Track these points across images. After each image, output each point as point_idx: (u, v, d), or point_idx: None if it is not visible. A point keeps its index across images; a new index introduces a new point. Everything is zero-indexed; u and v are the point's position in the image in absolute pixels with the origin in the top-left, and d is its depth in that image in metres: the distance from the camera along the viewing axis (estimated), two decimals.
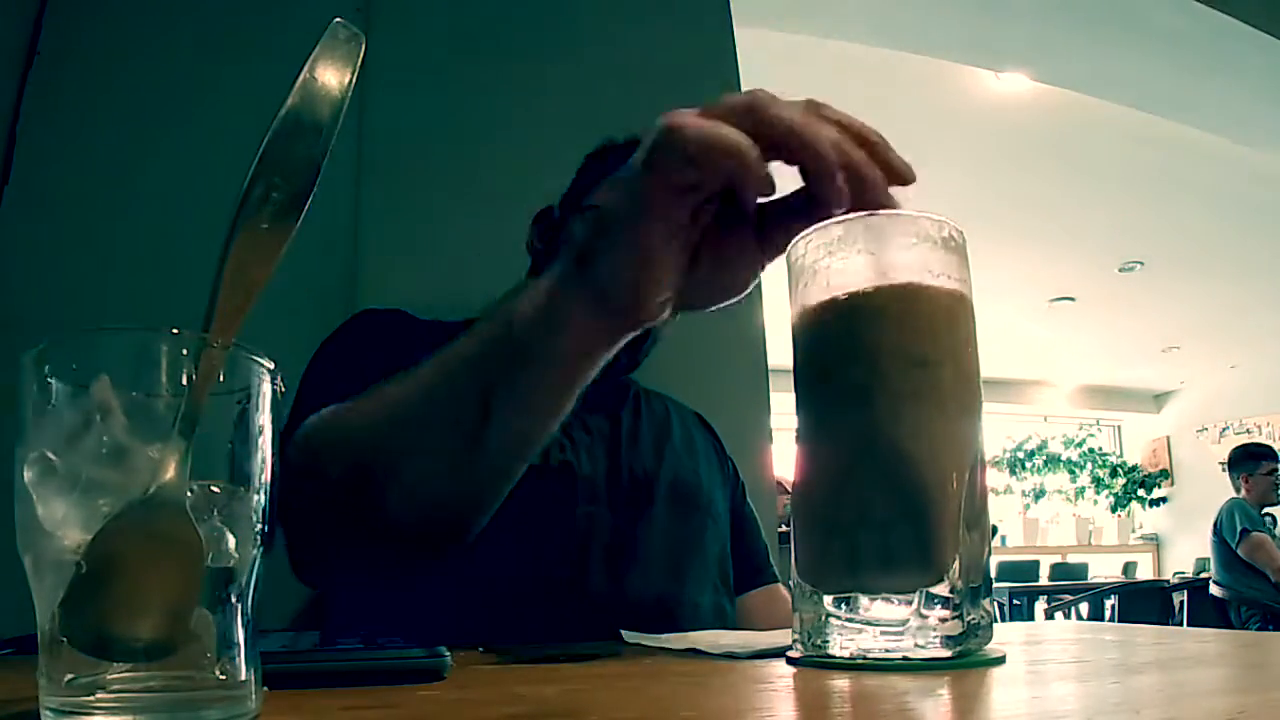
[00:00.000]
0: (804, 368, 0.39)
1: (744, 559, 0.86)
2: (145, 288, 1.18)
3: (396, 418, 0.53)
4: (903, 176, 0.42)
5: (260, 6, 1.34)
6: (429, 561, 0.62)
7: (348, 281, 1.26)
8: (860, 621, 0.35)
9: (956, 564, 0.34)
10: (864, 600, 0.35)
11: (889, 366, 0.36)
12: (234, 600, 0.26)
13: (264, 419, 0.27)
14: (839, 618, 0.36)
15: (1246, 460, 3.40)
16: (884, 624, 0.35)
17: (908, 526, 0.35)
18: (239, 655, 0.25)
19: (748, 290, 0.49)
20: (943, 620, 0.34)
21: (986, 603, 0.36)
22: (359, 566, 0.66)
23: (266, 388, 0.28)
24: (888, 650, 0.35)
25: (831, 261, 0.38)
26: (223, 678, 0.25)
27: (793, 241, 0.40)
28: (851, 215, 0.39)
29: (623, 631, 0.56)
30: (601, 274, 0.45)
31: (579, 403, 0.78)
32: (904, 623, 0.34)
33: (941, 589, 0.34)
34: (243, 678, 0.25)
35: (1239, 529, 3.17)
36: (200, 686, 0.24)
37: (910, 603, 0.34)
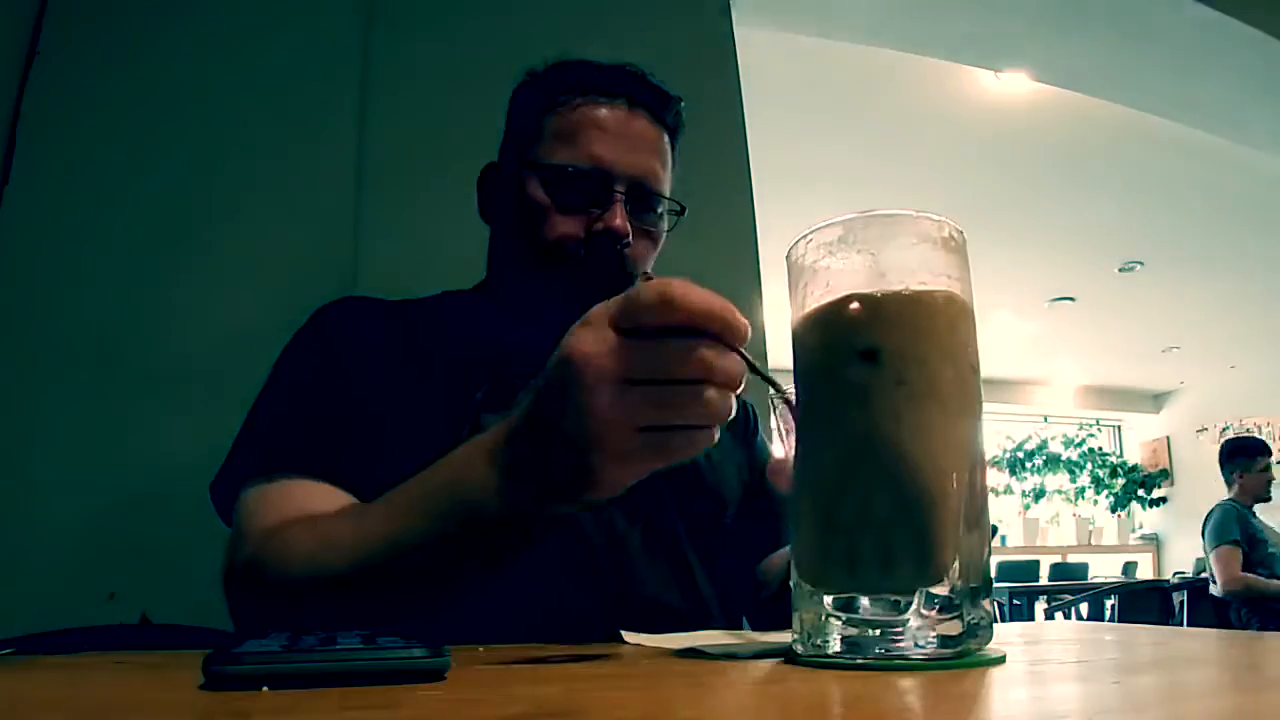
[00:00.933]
0: (803, 368, 0.39)
1: (770, 515, 0.83)
2: (145, 288, 1.18)
3: (354, 572, 0.54)
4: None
5: (260, 6, 1.34)
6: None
7: (348, 281, 1.26)
8: (860, 621, 0.35)
9: (956, 564, 0.34)
10: (864, 600, 0.35)
11: (889, 367, 0.36)
12: None
13: None
14: (839, 618, 0.36)
15: (1239, 455, 3.23)
16: (884, 624, 0.35)
17: (907, 527, 0.35)
18: None
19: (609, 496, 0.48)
20: (942, 620, 0.34)
21: (986, 603, 0.36)
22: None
23: None
24: (888, 650, 0.35)
25: (832, 262, 0.38)
26: None
27: (793, 242, 0.40)
28: (851, 215, 0.39)
29: (622, 632, 0.56)
30: (560, 454, 0.44)
31: None
32: (904, 623, 0.34)
33: (941, 589, 0.34)
34: None
35: (1229, 538, 3.07)
36: None
37: (910, 603, 0.34)
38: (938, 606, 0.34)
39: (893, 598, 0.35)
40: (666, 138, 0.80)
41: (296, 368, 0.73)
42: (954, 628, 0.34)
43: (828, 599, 0.36)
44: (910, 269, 0.37)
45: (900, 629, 0.35)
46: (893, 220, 0.38)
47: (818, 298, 0.38)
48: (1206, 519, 3.21)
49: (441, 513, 0.51)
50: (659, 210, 0.78)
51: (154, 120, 1.24)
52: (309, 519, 0.59)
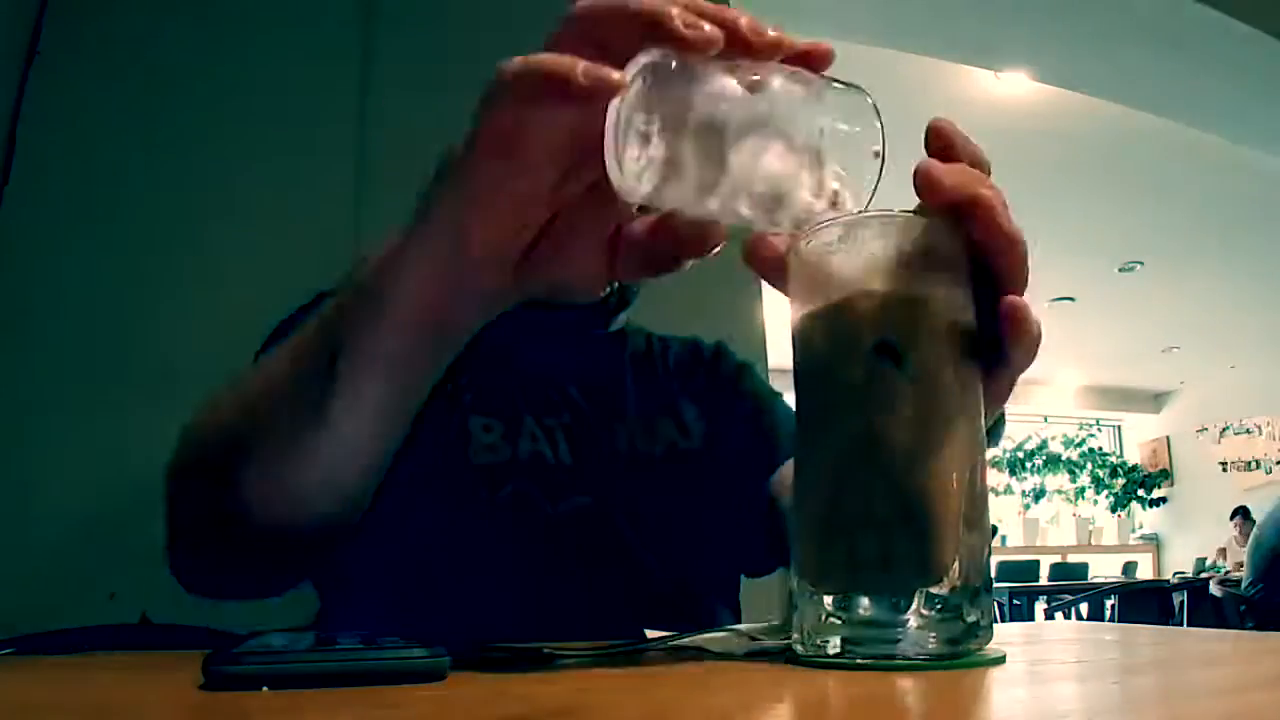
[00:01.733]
0: (804, 368, 0.39)
1: (771, 434, 0.79)
2: (145, 287, 1.18)
3: (250, 391, 0.49)
4: (818, 56, 0.39)
5: (260, 6, 1.34)
6: (317, 560, 0.58)
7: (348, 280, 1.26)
8: (860, 621, 0.35)
9: (956, 565, 0.34)
10: (864, 600, 0.35)
11: (889, 366, 0.36)
12: None
13: None
14: (839, 618, 0.36)
15: None
16: (884, 624, 0.35)
17: (907, 528, 0.35)
18: None
19: (587, 297, 0.45)
20: (942, 621, 0.34)
21: (986, 602, 0.36)
22: (241, 576, 0.61)
23: None
24: (887, 651, 0.35)
25: (833, 261, 0.38)
26: None
27: (794, 241, 0.40)
28: (853, 215, 0.39)
29: (646, 631, 0.55)
30: (434, 213, 0.41)
31: (558, 378, 0.75)
32: (904, 623, 0.34)
33: (942, 589, 0.34)
34: None
35: None
36: None
37: (910, 603, 0.34)
38: (938, 607, 0.34)
39: (893, 598, 0.35)
40: None
41: (277, 328, 0.71)
42: (954, 628, 0.35)
43: (828, 599, 0.36)
44: (913, 269, 0.37)
45: (900, 629, 0.35)
46: (896, 221, 0.38)
47: (818, 298, 0.38)
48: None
49: (342, 292, 0.46)
50: None
51: (154, 120, 1.24)
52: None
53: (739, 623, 0.83)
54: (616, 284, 0.76)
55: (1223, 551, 5.89)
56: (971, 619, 0.35)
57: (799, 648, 0.38)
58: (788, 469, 0.76)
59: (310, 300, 0.71)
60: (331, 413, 0.45)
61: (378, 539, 0.64)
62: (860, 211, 0.39)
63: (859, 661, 0.35)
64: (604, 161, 0.35)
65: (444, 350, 0.46)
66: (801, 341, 0.39)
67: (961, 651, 0.35)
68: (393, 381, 0.46)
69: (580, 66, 0.36)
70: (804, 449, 0.39)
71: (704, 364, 0.86)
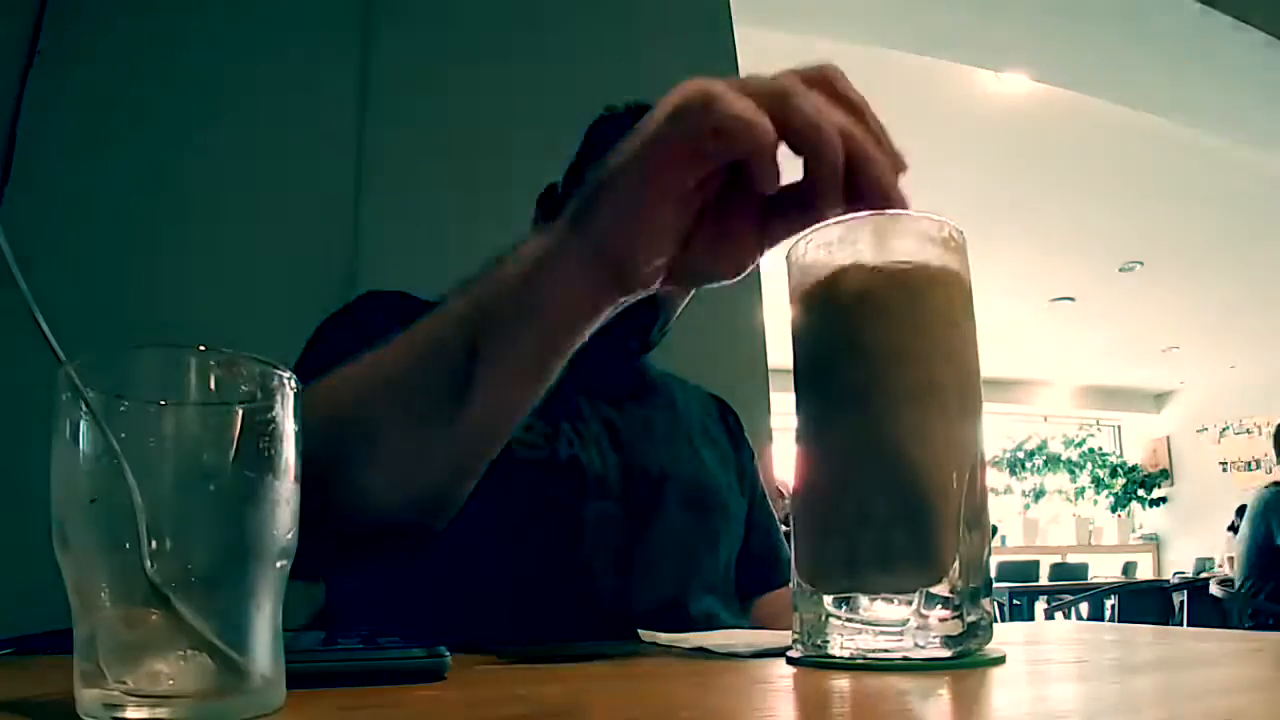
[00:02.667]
0: (804, 367, 0.39)
1: (756, 559, 0.84)
2: (144, 287, 1.18)
3: (380, 377, 0.51)
4: (896, 166, 0.42)
5: (260, 6, 1.34)
6: (400, 558, 0.60)
7: (348, 281, 1.26)
8: (860, 621, 0.35)
9: (956, 564, 0.34)
10: (864, 600, 0.35)
11: (888, 366, 0.36)
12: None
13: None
14: (839, 618, 0.36)
15: None
16: (884, 624, 0.35)
17: (908, 527, 0.35)
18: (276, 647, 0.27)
19: (741, 275, 0.47)
20: (942, 620, 0.34)
21: (986, 602, 0.36)
22: (334, 560, 0.64)
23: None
24: (887, 651, 0.35)
25: (832, 262, 0.38)
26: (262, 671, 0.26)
27: (793, 241, 0.40)
28: (854, 215, 0.39)
29: (640, 630, 0.56)
30: (597, 228, 0.44)
31: (589, 390, 0.77)
32: (904, 623, 0.34)
33: (942, 589, 0.34)
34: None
35: None
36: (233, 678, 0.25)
37: (910, 603, 0.34)
38: (938, 606, 0.34)
39: (893, 598, 0.35)
40: None
41: (341, 323, 0.72)
42: (955, 627, 0.34)
43: (828, 599, 0.36)
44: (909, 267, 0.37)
45: (900, 629, 0.35)
46: (893, 221, 0.38)
47: (818, 297, 0.38)
48: (1261, 503, 3.05)
49: (481, 288, 0.47)
50: None
51: (153, 120, 1.24)
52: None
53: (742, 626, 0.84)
54: (660, 334, 0.78)
55: (1231, 560, 5.87)
56: (972, 619, 0.35)
57: (799, 648, 0.38)
58: (779, 603, 0.79)
59: (345, 306, 0.71)
60: (467, 410, 0.47)
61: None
62: (855, 214, 0.39)
63: (859, 661, 0.35)
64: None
65: (571, 350, 0.48)
66: (801, 341, 0.39)
67: (962, 652, 0.35)
68: (530, 381, 0.48)
69: (772, 141, 0.39)
70: (804, 448, 0.39)
71: (717, 417, 0.90)
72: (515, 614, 0.62)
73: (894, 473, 0.35)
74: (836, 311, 0.38)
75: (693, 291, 0.78)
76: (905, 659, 0.34)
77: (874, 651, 0.35)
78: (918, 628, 0.34)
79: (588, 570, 0.69)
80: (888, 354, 0.36)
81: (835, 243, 0.38)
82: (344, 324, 0.72)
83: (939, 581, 0.34)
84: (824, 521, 0.37)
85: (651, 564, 0.72)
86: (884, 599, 0.35)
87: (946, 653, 0.34)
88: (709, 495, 0.79)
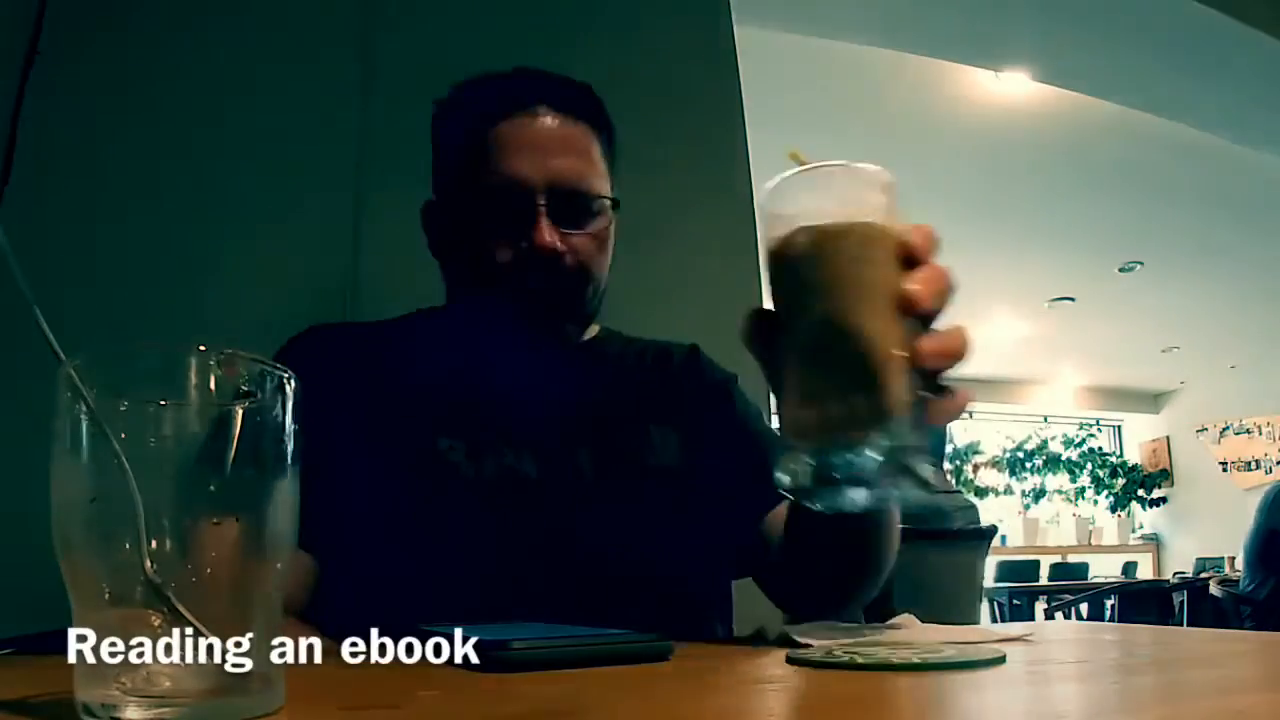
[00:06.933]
0: (777, 264, 0.47)
1: (757, 480, 0.80)
2: (145, 287, 1.18)
3: None
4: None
5: (260, 6, 1.34)
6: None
7: (348, 281, 1.26)
8: (832, 465, 0.42)
9: (904, 422, 0.42)
10: (844, 456, 0.42)
11: (849, 268, 0.44)
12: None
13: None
14: (813, 463, 0.43)
15: None
16: (852, 466, 0.42)
17: (862, 387, 0.42)
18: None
19: None
20: (896, 467, 0.41)
21: (931, 463, 0.43)
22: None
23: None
24: (853, 475, 0.42)
25: (799, 204, 0.46)
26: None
27: (765, 189, 0.48)
28: (802, 169, 0.47)
29: (787, 628, 0.53)
30: None
31: (516, 390, 0.75)
32: (875, 462, 0.41)
33: (897, 440, 0.41)
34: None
35: None
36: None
37: (872, 449, 0.41)
38: (894, 453, 0.41)
39: (865, 451, 0.42)
40: (590, 133, 0.77)
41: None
42: (908, 475, 0.41)
43: (805, 454, 0.44)
44: (861, 207, 0.46)
45: (865, 465, 0.42)
46: (845, 171, 0.47)
47: (791, 229, 0.46)
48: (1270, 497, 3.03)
49: None
50: (594, 209, 0.75)
51: (154, 120, 1.24)
52: None
53: (725, 624, 0.83)
54: (596, 301, 0.78)
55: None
56: (924, 474, 0.42)
57: (784, 480, 0.45)
58: (781, 510, 0.78)
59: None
60: None
61: (359, 562, 0.64)
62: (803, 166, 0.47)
63: (859, 662, 0.35)
64: None
65: None
66: (781, 264, 0.47)
67: (925, 485, 0.41)
68: None
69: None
70: (785, 346, 0.47)
71: (676, 375, 0.85)
72: (476, 596, 0.63)
73: (852, 346, 0.43)
74: (810, 236, 0.46)
75: (609, 250, 0.79)
76: (905, 660, 0.35)
77: (838, 498, 0.43)
78: (890, 471, 0.41)
79: (538, 582, 0.68)
80: (849, 259, 0.45)
81: (800, 189, 0.47)
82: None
83: (890, 424, 0.41)
84: (799, 390, 0.45)
85: (607, 565, 0.70)
86: (857, 455, 0.42)
87: (953, 650, 0.35)
88: (659, 486, 0.76)
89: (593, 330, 0.85)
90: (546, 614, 0.65)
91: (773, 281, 0.48)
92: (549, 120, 0.75)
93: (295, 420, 0.29)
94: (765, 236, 0.48)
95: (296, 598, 0.64)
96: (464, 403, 0.74)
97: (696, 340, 0.91)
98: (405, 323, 0.84)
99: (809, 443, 0.44)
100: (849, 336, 0.43)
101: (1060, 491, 7.45)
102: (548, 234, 0.71)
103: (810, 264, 0.45)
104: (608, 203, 0.77)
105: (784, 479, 0.45)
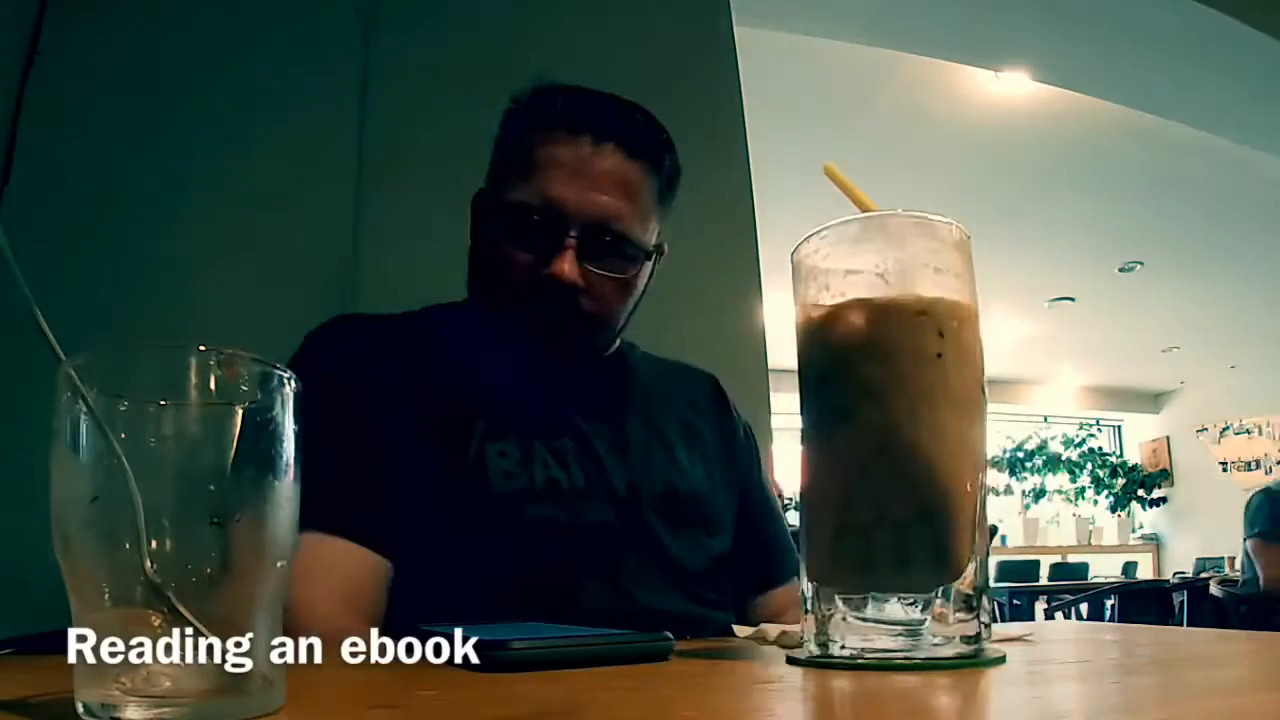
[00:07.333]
0: (815, 366, 0.39)
1: (755, 555, 0.82)
2: (145, 288, 1.18)
3: None
4: None
5: (260, 6, 1.34)
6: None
7: (348, 281, 1.26)
8: (875, 622, 0.35)
9: (972, 565, 0.34)
10: (877, 602, 0.35)
11: (906, 365, 0.35)
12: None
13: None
14: (854, 618, 0.36)
15: None
16: (900, 625, 0.34)
17: (927, 527, 0.35)
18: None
19: None
20: (961, 620, 0.34)
21: (987, 600, 0.36)
22: None
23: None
24: (906, 651, 0.34)
25: (841, 262, 0.38)
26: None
27: (800, 241, 0.40)
28: (861, 215, 0.38)
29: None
30: None
31: (555, 399, 0.76)
32: (920, 623, 0.34)
33: (964, 587, 0.34)
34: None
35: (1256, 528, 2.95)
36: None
37: (924, 604, 0.34)
38: (953, 606, 0.34)
39: (908, 597, 0.34)
40: (646, 175, 0.74)
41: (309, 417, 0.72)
42: (971, 627, 0.34)
43: (839, 601, 0.36)
44: (920, 271, 0.37)
45: (917, 629, 0.34)
46: (904, 222, 0.38)
47: (830, 298, 0.38)
48: (1246, 506, 3.04)
49: None
50: (627, 253, 0.73)
51: (154, 120, 1.24)
52: None
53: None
54: (612, 339, 0.78)
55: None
56: (985, 619, 0.35)
57: (812, 648, 0.37)
58: (782, 600, 0.78)
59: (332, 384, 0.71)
60: None
61: (410, 574, 0.65)
62: (864, 213, 0.39)
63: (859, 661, 0.35)
64: None
65: None
66: (812, 340, 0.39)
67: (978, 650, 0.34)
68: None
69: None
70: (814, 448, 0.39)
71: (701, 405, 0.87)
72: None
73: (914, 473, 0.35)
74: (853, 312, 0.37)
75: (648, 279, 0.77)
76: (905, 659, 0.34)
77: (891, 652, 0.34)
78: (934, 628, 0.34)
79: (571, 589, 0.69)
80: (906, 353, 0.36)
81: (846, 243, 0.38)
82: (314, 414, 0.71)
83: (956, 579, 0.34)
84: (838, 521, 0.37)
85: (632, 579, 0.71)
86: (899, 599, 0.35)
87: (967, 649, 0.34)
88: (685, 505, 0.77)
89: (614, 348, 0.84)
90: (590, 621, 0.67)
91: (808, 358, 0.39)
92: (606, 151, 0.72)
93: (295, 420, 0.29)
94: (802, 298, 0.39)
95: (375, 603, 0.64)
96: (509, 411, 0.73)
97: (695, 353, 0.92)
98: (432, 317, 0.81)
99: (838, 588, 0.36)
100: (917, 460, 0.34)
101: (1060, 491, 7.45)
102: (569, 267, 0.69)
103: (870, 355, 0.36)
104: (643, 253, 0.74)
105: (811, 648, 0.37)
